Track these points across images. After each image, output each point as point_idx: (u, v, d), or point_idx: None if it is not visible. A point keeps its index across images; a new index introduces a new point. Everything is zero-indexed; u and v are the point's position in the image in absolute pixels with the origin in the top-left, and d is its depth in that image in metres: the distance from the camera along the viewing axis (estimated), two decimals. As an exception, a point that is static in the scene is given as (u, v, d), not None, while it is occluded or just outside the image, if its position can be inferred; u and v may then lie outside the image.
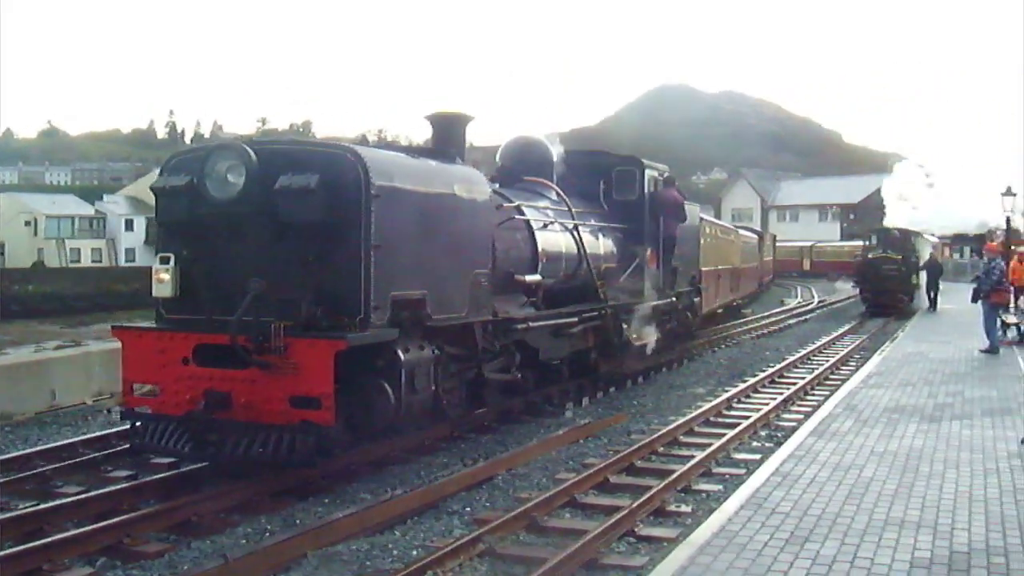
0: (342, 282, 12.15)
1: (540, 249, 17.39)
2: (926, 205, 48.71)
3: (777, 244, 79.25)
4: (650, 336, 22.02)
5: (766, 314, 45.65)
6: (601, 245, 20.42)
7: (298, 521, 11.20)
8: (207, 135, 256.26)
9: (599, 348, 20.24)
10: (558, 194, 19.42)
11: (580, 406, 18.88)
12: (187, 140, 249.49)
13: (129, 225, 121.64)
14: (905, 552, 8.70)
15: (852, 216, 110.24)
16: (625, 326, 20.85)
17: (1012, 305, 28.23)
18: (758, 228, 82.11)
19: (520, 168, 19.20)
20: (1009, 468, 12.01)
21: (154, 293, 13.06)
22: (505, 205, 16.63)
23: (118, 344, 13.34)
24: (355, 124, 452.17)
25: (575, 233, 19.04)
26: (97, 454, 14.15)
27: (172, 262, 12.87)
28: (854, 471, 11.86)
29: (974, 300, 25.68)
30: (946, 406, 16.60)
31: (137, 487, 12.22)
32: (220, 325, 12.02)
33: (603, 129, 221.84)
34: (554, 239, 18.15)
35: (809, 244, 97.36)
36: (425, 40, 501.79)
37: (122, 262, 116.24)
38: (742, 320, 41.34)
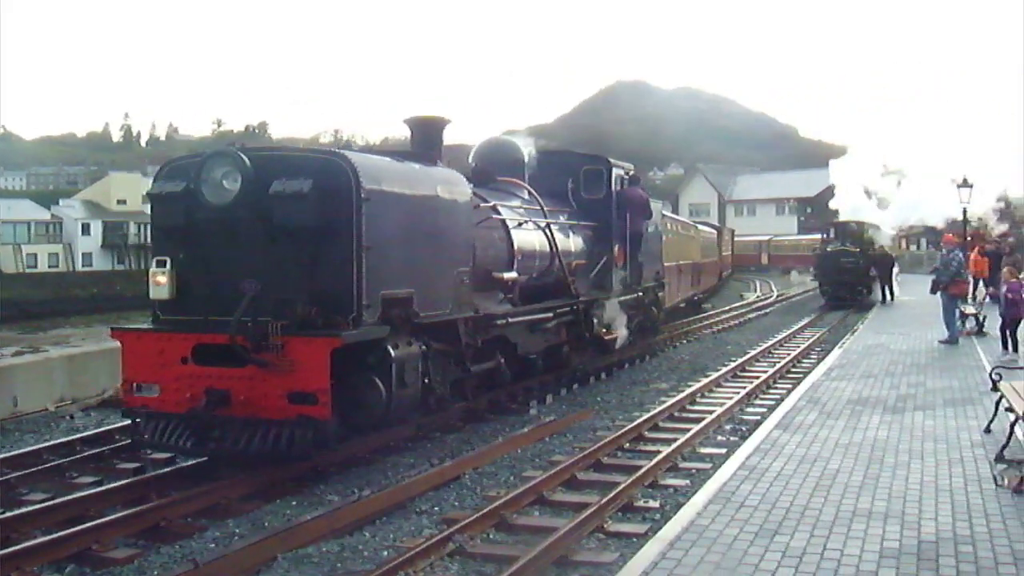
0: (335, 282, 12.70)
1: (516, 247, 17.97)
2: (895, 199, 48.58)
3: (735, 239, 79.60)
4: (619, 330, 22.84)
5: (726, 308, 45.80)
6: (571, 242, 20.96)
7: (267, 524, 11.19)
8: (162, 137, 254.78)
9: (571, 342, 20.90)
10: (530, 193, 19.93)
11: (544, 404, 18.91)
12: (142, 143, 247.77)
13: (86, 229, 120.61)
14: (874, 543, 8.77)
15: (809, 210, 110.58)
16: (595, 321, 21.63)
17: (970, 296, 28.40)
18: (716, 223, 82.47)
19: (493, 168, 19.47)
20: (973, 457, 12.12)
21: (152, 295, 13.51)
22: (482, 205, 17.00)
23: (78, 350, 13.46)
24: (310, 124, 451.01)
25: (547, 231, 19.58)
26: (62, 460, 14.07)
27: (169, 265, 13.34)
28: (820, 463, 11.95)
29: (933, 291, 25.88)
30: (908, 397, 16.73)
31: (104, 493, 12.17)
32: (219, 325, 12.52)
33: (560, 126, 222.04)
34: (528, 237, 18.72)
35: (767, 238, 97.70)
36: (379, 41, 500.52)
37: (79, 266, 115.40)
38: (702, 315, 41.42)
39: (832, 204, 51.15)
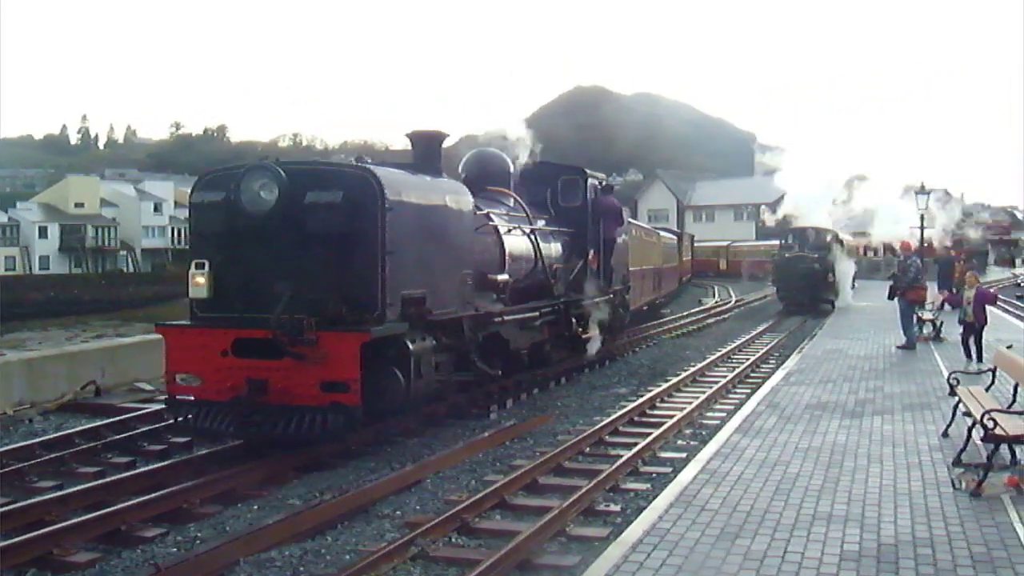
0: (362, 283, 14.25)
1: (507, 251, 19.41)
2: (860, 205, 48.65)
3: (694, 244, 79.88)
4: (595, 330, 24.27)
5: (685, 314, 45.84)
6: (552, 247, 22.29)
7: (228, 528, 11.17)
8: (121, 140, 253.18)
9: (551, 340, 22.29)
10: (516, 201, 21.32)
11: (505, 408, 18.93)
12: (100, 145, 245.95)
13: (43, 232, 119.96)
14: (834, 546, 8.84)
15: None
16: (574, 320, 23.13)
17: (929, 302, 28.57)
18: (675, 228, 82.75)
19: (482, 179, 20.66)
20: (931, 461, 12.23)
21: (191, 295, 14.95)
22: (478, 212, 18.22)
23: (36, 353, 13.46)
24: (269, 128, 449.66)
25: (532, 236, 21.05)
26: (21, 464, 13.95)
27: (207, 267, 14.74)
28: (780, 467, 12.03)
29: (891, 297, 26.09)
30: (867, 402, 16.86)
31: (64, 497, 12.10)
32: (257, 322, 13.93)
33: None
34: (517, 242, 20.19)
35: (725, 244, 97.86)
36: (334, 45, 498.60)
37: (36, 270, 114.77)
38: (662, 320, 41.50)
39: (784, 208, 50.63)
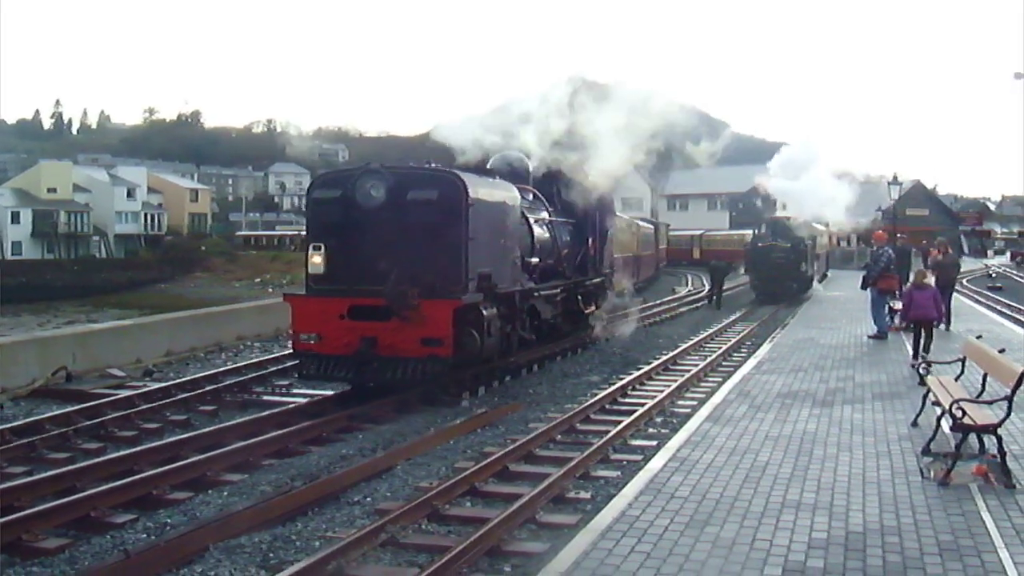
0: (450, 262, 17.97)
1: (535, 239, 22.73)
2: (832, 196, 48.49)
3: (669, 233, 79.98)
4: (593, 306, 27.74)
5: (658, 302, 45.78)
6: (562, 236, 25.46)
7: (198, 514, 11.15)
8: (94, 125, 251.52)
9: (563, 315, 25.49)
10: (535, 196, 24.55)
11: (476, 396, 18.96)
12: (73, 131, 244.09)
13: (15, 218, 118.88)
14: (803, 533, 8.89)
15: (741, 205, 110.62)
16: (580, 298, 26.53)
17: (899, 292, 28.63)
18: (649, 216, 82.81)
19: (509, 177, 22.67)
20: (900, 450, 12.29)
21: (309, 271, 18.85)
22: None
23: (7, 339, 13.47)
24: (243, 114, 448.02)
25: (550, 226, 24.50)
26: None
27: (323, 249, 18.45)
28: (750, 455, 12.07)
29: (863, 287, 26.17)
30: (837, 391, 16.93)
31: (33, 483, 12.08)
32: (370, 292, 17.43)
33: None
34: (541, 231, 23.55)
35: (699, 233, 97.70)
36: (304, 31, 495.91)
37: (8, 255, 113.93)
38: (635, 308, 41.38)
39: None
